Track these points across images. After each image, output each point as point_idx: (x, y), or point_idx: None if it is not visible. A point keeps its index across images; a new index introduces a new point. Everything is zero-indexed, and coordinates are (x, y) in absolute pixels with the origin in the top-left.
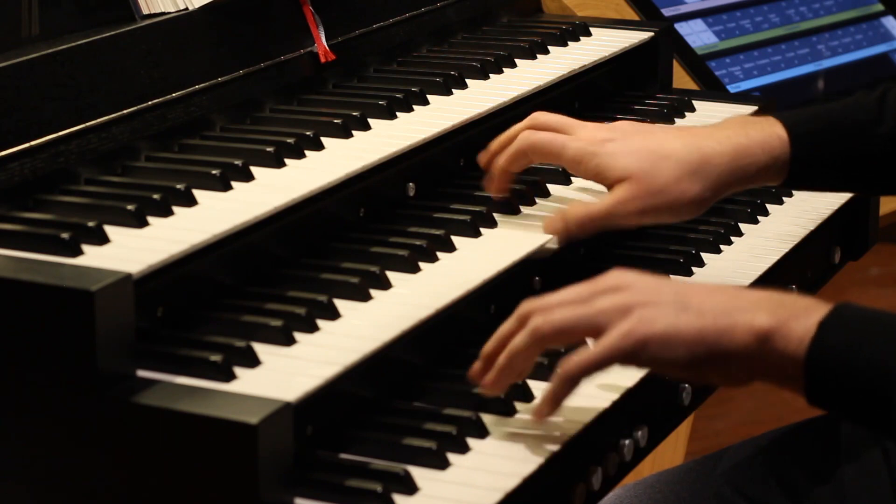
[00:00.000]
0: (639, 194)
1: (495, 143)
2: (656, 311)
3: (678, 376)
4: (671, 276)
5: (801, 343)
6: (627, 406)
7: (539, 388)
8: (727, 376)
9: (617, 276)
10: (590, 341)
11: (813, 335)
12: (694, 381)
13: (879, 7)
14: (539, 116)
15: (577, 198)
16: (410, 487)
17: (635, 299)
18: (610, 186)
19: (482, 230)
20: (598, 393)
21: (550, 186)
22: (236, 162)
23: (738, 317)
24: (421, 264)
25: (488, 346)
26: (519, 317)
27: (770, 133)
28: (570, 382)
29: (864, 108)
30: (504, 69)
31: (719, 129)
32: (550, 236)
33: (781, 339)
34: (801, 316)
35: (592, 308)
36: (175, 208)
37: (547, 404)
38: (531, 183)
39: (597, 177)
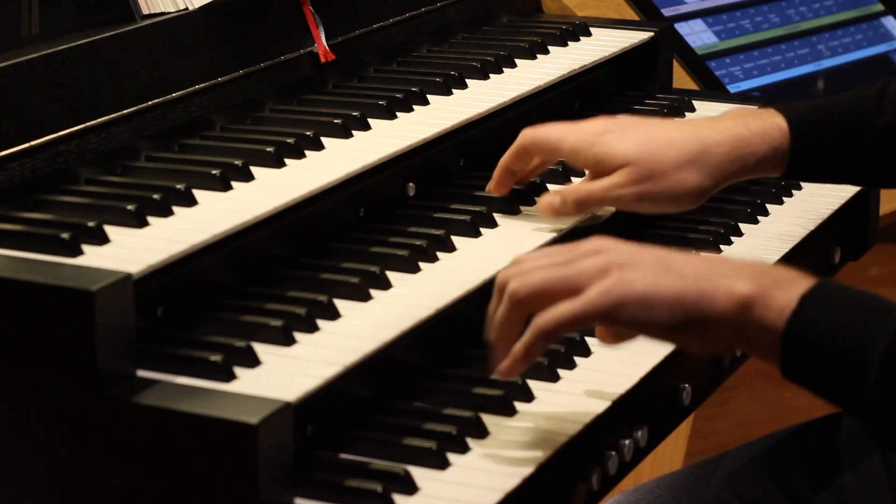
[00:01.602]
0: (638, 178)
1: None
2: (636, 273)
3: (658, 338)
4: None
5: (780, 314)
6: (627, 406)
7: (539, 387)
8: (705, 341)
9: (597, 241)
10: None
11: (793, 308)
12: (673, 344)
13: (879, 7)
14: (535, 125)
15: None
16: (410, 487)
17: (615, 261)
18: (610, 175)
19: (482, 230)
20: (598, 393)
21: (550, 187)
22: (236, 162)
23: (719, 281)
24: (421, 264)
25: (487, 332)
26: (498, 288)
27: (770, 124)
28: (545, 337)
29: (864, 101)
30: (504, 69)
31: (719, 121)
32: (550, 236)
33: (761, 308)
34: (783, 286)
35: (571, 269)
36: (175, 208)
37: (518, 360)
38: (531, 183)
39: (597, 166)
